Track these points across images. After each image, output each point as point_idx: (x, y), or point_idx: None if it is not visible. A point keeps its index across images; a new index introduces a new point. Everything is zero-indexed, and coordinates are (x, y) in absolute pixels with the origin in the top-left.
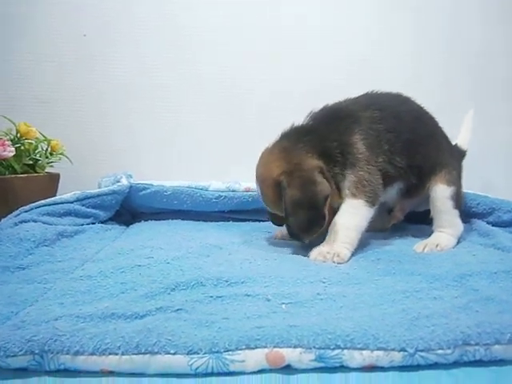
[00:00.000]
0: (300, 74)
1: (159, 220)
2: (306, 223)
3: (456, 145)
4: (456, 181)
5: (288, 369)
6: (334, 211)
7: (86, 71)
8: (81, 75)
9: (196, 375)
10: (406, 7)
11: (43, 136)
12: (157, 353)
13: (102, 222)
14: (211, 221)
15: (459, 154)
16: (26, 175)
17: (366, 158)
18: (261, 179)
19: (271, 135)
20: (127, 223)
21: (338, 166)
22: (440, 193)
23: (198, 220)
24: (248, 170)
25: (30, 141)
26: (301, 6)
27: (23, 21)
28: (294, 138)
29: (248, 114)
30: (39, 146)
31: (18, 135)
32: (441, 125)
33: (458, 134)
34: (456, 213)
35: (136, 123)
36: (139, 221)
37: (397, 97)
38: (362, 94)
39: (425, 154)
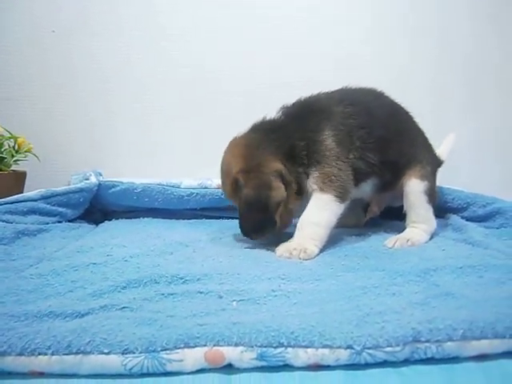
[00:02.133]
0: (274, 76)
1: (131, 218)
2: (256, 224)
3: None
4: (430, 176)
5: (230, 368)
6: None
7: (55, 68)
8: (49, 72)
9: (131, 376)
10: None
11: (9, 133)
12: (89, 352)
13: (69, 221)
14: (184, 218)
15: (436, 161)
16: None
17: (335, 154)
18: (223, 172)
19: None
20: (97, 222)
21: (302, 167)
22: (414, 187)
23: (171, 218)
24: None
25: None
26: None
27: None
28: (262, 134)
29: (221, 110)
30: (5, 143)
31: None
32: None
33: (440, 147)
34: (429, 208)
35: (107, 121)
36: (110, 219)
37: (370, 92)
38: (336, 89)
39: (399, 149)
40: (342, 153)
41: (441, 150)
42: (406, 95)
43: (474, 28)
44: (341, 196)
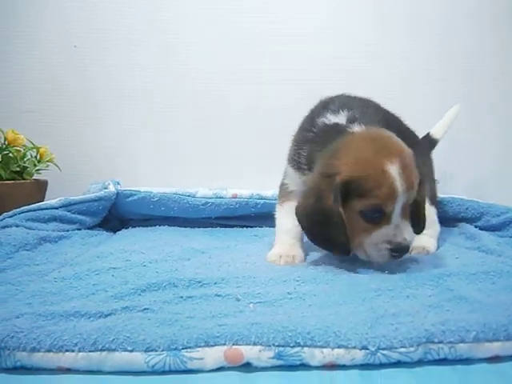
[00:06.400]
0: (286, 83)
1: (147, 226)
2: None
3: (428, 134)
4: (429, 174)
5: (248, 367)
6: None
7: (76, 80)
8: (70, 84)
9: (153, 373)
10: (399, 12)
11: (32, 143)
12: (114, 350)
13: (88, 228)
14: (199, 227)
15: (430, 142)
16: (12, 182)
17: None
18: (404, 155)
19: (257, 142)
20: (115, 229)
21: None
22: None
23: (186, 226)
24: (235, 176)
25: (18, 148)
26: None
27: (12, 31)
28: None
29: (237, 121)
30: (28, 153)
31: (6, 143)
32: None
33: (436, 123)
34: (434, 211)
35: (126, 131)
36: (127, 227)
37: (365, 102)
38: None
39: None
40: None
41: (436, 128)
42: (409, 98)
43: (476, 32)
44: None
